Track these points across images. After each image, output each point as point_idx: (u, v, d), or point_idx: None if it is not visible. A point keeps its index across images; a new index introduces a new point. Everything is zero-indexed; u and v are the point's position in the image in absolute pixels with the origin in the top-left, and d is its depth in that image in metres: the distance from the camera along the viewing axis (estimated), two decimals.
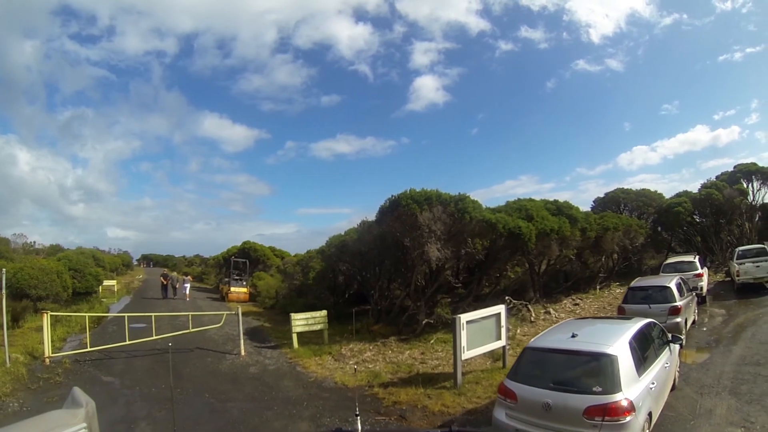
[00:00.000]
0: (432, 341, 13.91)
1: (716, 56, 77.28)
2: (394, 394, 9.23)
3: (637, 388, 5.53)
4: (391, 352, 13.35)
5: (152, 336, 13.05)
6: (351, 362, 12.42)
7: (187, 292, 29.36)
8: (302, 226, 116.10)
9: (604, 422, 5.16)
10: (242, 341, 13.76)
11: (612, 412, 5.17)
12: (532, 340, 7.84)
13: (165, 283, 29.98)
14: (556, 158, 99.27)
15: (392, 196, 15.19)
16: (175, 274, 35.55)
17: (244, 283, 30.32)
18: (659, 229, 27.86)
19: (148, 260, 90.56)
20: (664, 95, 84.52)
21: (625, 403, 5.20)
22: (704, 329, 13.00)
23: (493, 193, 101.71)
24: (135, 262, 76.99)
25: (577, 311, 17.50)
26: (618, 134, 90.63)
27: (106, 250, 54.49)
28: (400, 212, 14.64)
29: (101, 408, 8.10)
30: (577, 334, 6.38)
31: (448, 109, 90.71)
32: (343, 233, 19.19)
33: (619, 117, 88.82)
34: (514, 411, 5.93)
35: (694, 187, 29.83)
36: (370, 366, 11.91)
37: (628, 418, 5.16)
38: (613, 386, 5.36)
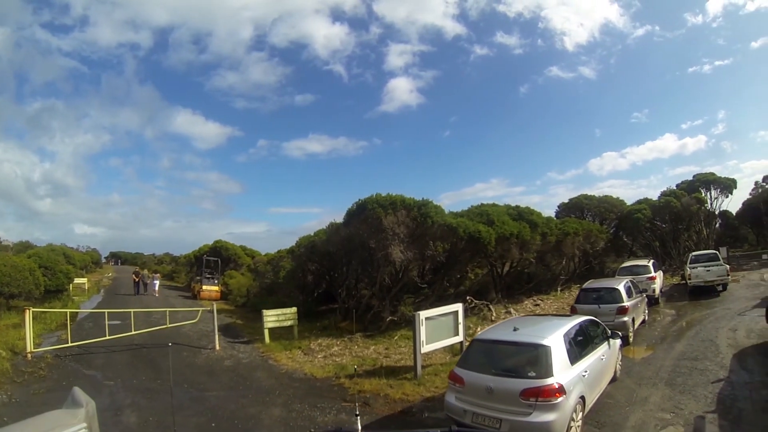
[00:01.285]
0: (396, 337, 14.83)
1: (686, 68, 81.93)
2: (359, 384, 10.07)
3: (569, 374, 6.39)
4: (357, 347, 14.29)
5: (131, 331, 13.72)
6: (319, 356, 13.33)
7: (157, 288, 31.38)
8: (273, 225, 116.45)
9: (537, 402, 5.99)
10: (217, 336, 14.52)
11: (544, 393, 6.00)
12: (479, 332, 9.10)
13: (137, 280, 31.56)
14: (527, 162, 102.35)
15: (359, 200, 16.41)
16: (145, 271, 36.33)
17: (216, 281, 30.99)
18: (620, 234, 29.66)
19: (117, 258, 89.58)
20: (634, 104, 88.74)
21: (556, 386, 6.03)
22: (653, 328, 14.13)
23: (463, 195, 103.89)
24: (103, 260, 76.23)
25: (537, 311, 18.60)
26: (589, 140, 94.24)
27: (74, 247, 54.20)
28: (367, 215, 15.82)
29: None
30: (518, 328, 7.32)
31: (421, 112, 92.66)
32: (312, 234, 20.14)
33: (590, 123, 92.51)
34: (462, 394, 6.79)
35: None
36: (337, 359, 12.84)
37: (559, 399, 5.99)
38: (546, 372, 6.21)
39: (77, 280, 29.25)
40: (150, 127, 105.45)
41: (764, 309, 11.60)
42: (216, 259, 33.82)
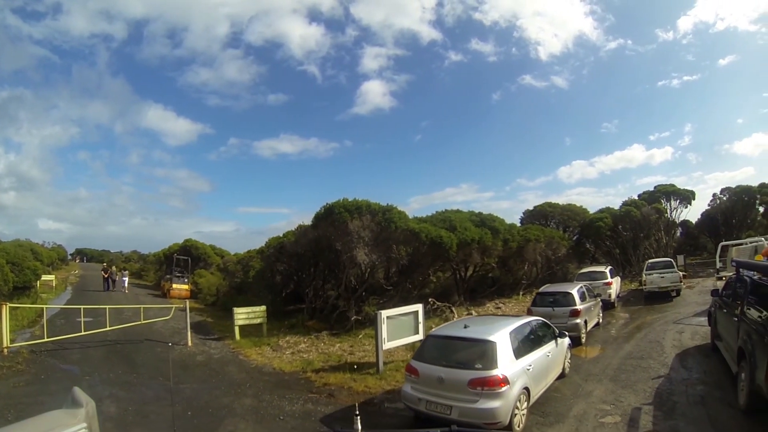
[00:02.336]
0: (360, 336, 15.54)
1: (655, 81, 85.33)
2: (325, 378, 10.78)
3: (513, 367, 7.13)
4: (324, 344, 14.97)
5: (104, 328, 14.14)
6: (287, 352, 13.97)
7: (126, 284, 32.68)
8: (241, 224, 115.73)
9: (483, 391, 6.71)
10: (189, 333, 15.09)
11: (489, 383, 6.73)
12: (434, 329, 9.93)
13: (106, 276, 32.34)
14: (497, 168, 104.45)
15: (327, 203, 17.48)
16: (113, 268, 36.80)
17: (186, 280, 31.47)
18: (583, 241, 31.29)
19: (83, 255, 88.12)
20: (604, 114, 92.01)
21: (500, 377, 6.76)
22: (606, 330, 15.09)
23: (432, 199, 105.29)
24: (69, 257, 75.19)
25: (498, 314, 19.17)
26: (559, 148, 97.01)
27: (40, 242, 53.47)
28: (334, 219, 16.87)
29: (67, 389, 9.78)
30: (468, 326, 8.11)
31: (393, 115, 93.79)
32: (281, 235, 21.00)
33: (560, 132, 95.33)
34: (416, 384, 7.49)
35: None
36: (304, 355, 13.47)
37: (503, 389, 6.72)
38: (492, 365, 6.94)
39: (45, 277, 29.24)
40: (120, 122, 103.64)
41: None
42: (186, 257, 34.32)
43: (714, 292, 11.16)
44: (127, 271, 37.48)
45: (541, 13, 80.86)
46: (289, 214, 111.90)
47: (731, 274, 18.08)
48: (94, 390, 9.60)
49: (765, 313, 6.75)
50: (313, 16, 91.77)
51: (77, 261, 78.36)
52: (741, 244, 20.76)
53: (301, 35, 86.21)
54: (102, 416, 8.25)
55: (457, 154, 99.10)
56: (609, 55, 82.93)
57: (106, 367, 11.73)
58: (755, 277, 7.89)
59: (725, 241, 24.99)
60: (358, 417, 3.32)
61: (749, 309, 7.56)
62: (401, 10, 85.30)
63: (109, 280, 32.19)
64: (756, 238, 21.02)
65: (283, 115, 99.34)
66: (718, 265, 20.71)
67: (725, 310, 9.35)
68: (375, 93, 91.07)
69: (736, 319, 8.10)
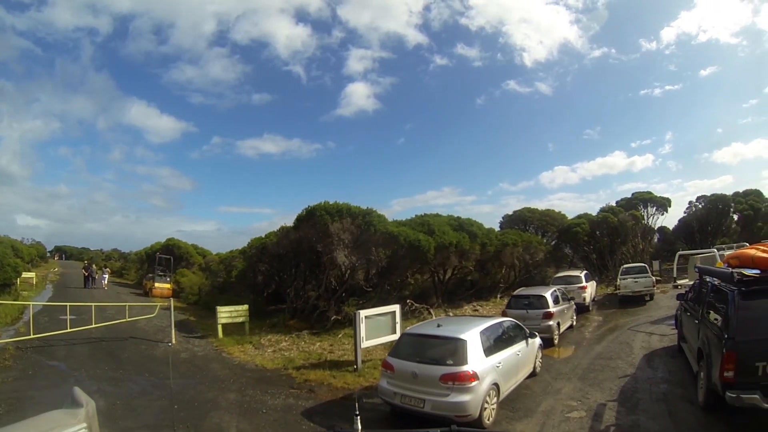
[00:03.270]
0: (340, 336, 16.05)
1: (638, 90, 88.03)
2: (305, 374, 11.31)
3: (483, 364, 7.64)
4: (304, 343, 15.47)
5: (87, 326, 14.57)
6: (269, 350, 14.50)
7: (105, 281, 34.04)
8: (223, 224, 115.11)
9: (454, 385, 7.20)
10: (173, 331, 15.59)
11: (459, 378, 7.23)
12: (408, 328, 10.45)
13: (86, 274, 33.39)
14: (480, 172, 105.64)
15: (309, 206, 18.22)
16: (94, 266, 37.43)
17: (168, 279, 31.85)
18: (561, 245, 32.30)
19: (62, 252, 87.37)
20: (587, 121, 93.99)
21: (470, 373, 7.26)
22: (579, 332, 15.74)
23: (415, 202, 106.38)
24: (48, 254, 74.57)
25: (475, 315, 19.94)
26: (541, 154, 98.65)
27: (18, 239, 53.13)
28: (315, 221, 17.57)
29: (55, 384, 10.05)
30: (441, 325, 8.69)
31: (377, 117, 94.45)
32: (264, 236, 21.57)
33: (543, 137, 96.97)
34: (392, 379, 7.98)
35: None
36: (285, 353, 13.99)
37: (472, 384, 7.22)
38: (462, 361, 7.44)
39: (25, 275, 29.28)
40: (103, 117, 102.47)
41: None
42: (169, 257, 34.60)
43: (679, 296, 11.70)
44: (108, 269, 38.52)
45: (527, 21, 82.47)
46: (271, 215, 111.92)
47: (687, 281, 19.26)
48: (82, 385, 9.93)
49: (721, 316, 7.19)
50: (300, 16, 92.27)
51: (56, 258, 77.70)
52: (696, 254, 21.97)
53: (288, 35, 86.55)
54: None
55: (439, 158, 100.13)
56: (593, 63, 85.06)
57: (92, 363, 12.11)
58: (715, 283, 8.30)
59: (697, 248, 26.32)
60: (358, 417, 3.43)
61: (708, 312, 8.10)
62: (388, 14, 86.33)
63: (90, 278, 33.07)
64: (709, 249, 22.35)
65: (267, 115, 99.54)
66: (675, 273, 21.77)
67: (689, 314, 9.91)
68: (359, 95, 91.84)
69: (697, 321, 8.70)
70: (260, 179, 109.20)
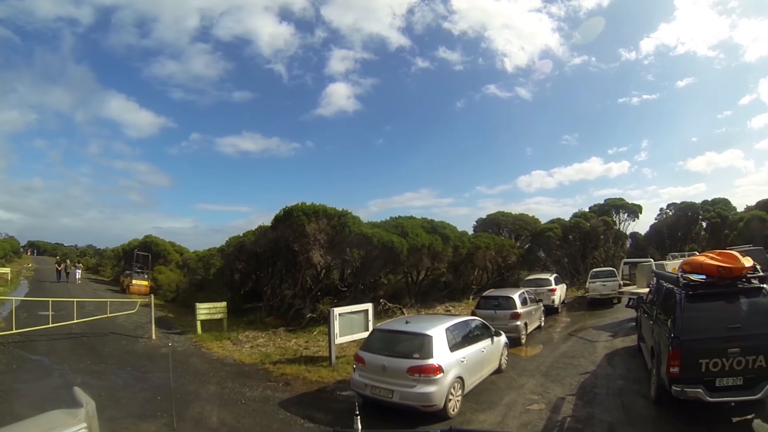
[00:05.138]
0: (315, 333, 16.81)
1: (616, 98, 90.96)
2: (282, 369, 11.92)
3: (448, 358, 8.27)
4: (281, 339, 16.09)
5: (69, 321, 14.88)
6: (246, 346, 15.06)
7: (78, 276, 35.31)
8: (200, 221, 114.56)
9: (420, 377, 7.85)
10: (153, 327, 16.08)
11: (425, 370, 7.87)
12: (379, 324, 11.03)
13: (59, 269, 35.22)
14: (457, 175, 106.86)
15: (286, 206, 19.09)
16: (68, 261, 38.33)
17: (146, 276, 32.29)
18: (534, 249, 33.62)
19: (35, 248, 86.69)
20: (565, 127, 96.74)
21: (435, 366, 7.91)
22: (547, 332, 16.53)
23: (391, 203, 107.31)
24: (21, 249, 73.97)
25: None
26: (519, 158, 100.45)
27: None
28: (292, 221, 18.46)
29: (39, 378, 10.56)
30: (409, 322, 9.56)
31: (356, 118, 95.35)
32: (242, 234, 22.43)
33: (522, 142, 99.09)
34: (363, 371, 8.60)
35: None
36: (262, 349, 14.61)
37: (437, 376, 7.86)
38: (428, 355, 8.10)
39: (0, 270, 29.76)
40: (81, 110, 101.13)
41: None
42: (147, 254, 35.10)
43: (628, 301, 12.75)
44: (81, 265, 39.66)
45: (509, 27, 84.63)
46: (248, 213, 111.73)
47: (635, 288, 20.55)
48: (66, 378, 10.55)
49: (670, 317, 7.77)
50: (284, 15, 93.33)
51: (29, 254, 77.13)
52: (639, 262, 23.45)
53: (271, 33, 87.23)
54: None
55: (418, 160, 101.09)
56: (573, 70, 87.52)
57: (74, 358, 12.57)
58: (667, 287, 8.91)
59: (668, 253, 27.95)
60: (358, 417, 3.53)
61: (661, 314, 8.78)
62: (371, 15, 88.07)
63: (63, 272, 34.78)
64: (647, 258, 24.15)
65: (247, 113, 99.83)
66: (620, 279, 22.99)
67: (646, 315, 10.67)
68: (340, 95, 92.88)
69: (651, 322, 9.49)
70: (238, 177, 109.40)
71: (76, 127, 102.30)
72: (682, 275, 8.02)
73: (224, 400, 9.47)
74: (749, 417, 7.24)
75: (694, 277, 7.76)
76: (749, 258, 7.87)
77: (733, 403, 7.15)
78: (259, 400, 9.51)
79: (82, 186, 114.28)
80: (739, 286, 7.48)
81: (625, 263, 25.23)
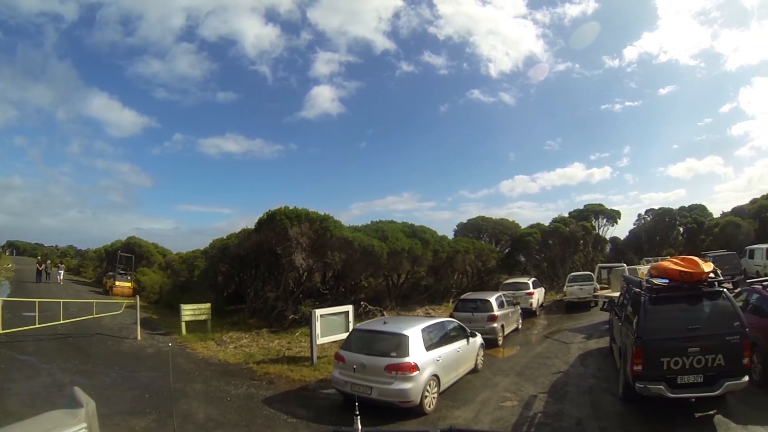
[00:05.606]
0: (297, 334, 17.20)
1: (599, 104, 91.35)
2: (265, 368, 12.31)
3: (423, 357, 8.71)
4: (264, 340, 16.51)
5: (54, 321, 15.06)
6: (230, 346, 15.43)
7: (61, 277, 35.90)
8: (182, 222, 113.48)
9: (397, 375, 8.26)
10: (139, 327, 16.23)
11: (402, 368, 8.29)
12: (358, 324, 11.65)
13: (40, 269, 34.92)
14: (440, 179, 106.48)
15: (270, 210, 19.64)
16: (49, 262, 38.51)
17: (129, 277, 32.47)
18: (514, 253, 34.39)
19: (14, 248, 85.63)
20: (548, 132, 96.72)
21: (411, 364, 8.34)
22: (524, 334, 17.00)
23: (374, 207, 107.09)
24: (0, 249, 73.26)
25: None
26: (502, 162, 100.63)
27: None
28: (275, 225, 18.97)
29: (29, 377, 10.80)
30: (387, 322, 10.14)
31: (340, 121, 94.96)
32: (225, 237, 22.84)
33: (505, 147, 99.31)
34: (343, 369, 9.00)
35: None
36: (246, 349, 14.99)
37: (413, 374, 8.29)
38: (405, 354, 8.52)
39: None
40: (63, 107, 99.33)
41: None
42: (130, 255, 35.24)
43: (602, 304, 13.27)
44: (63, 266, 39.85)
45: (494, 32, 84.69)
46: (230, 215, 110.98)
47: (606, 291, 21.33)
48: (55, 378, 10.80)
49: (636, 318, 8.15)
50: (270, 16, 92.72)
51: (8, 254, 76.26)
52: (613, 267, 24.25)
53: (257, 34, 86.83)
54: (67, 400, 10.08)
55: (400, 163, 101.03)
56: (557, 76, 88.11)
57: (62, 358, 12.72)
58: (635, 290, 9.32)
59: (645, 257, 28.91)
60: (358, 417, 3.56)
61: (628, 315, 9.17)
62: (357, 19, 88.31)
63: (43, 273, 34.65)
64: (619, 263, 24.61)
65: (230, 114, 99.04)
66: (594, 283, 23.62)
67: (617, 317, 11.03)
68: (324, 98, 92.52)
69: (621, 323, 9.93)
70: (221, 178, 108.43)
71: (58, 124, 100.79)
72: (647, 279, 8.51)
73: (210, 398, 9.82)
74: (711, 413, 7.64)
75: (657, 281, 8.18)
76: (710, 263, 8.36)
77: (693, 399, 7.55)
78: (244, 398, 9.88)
79: (62, 185, 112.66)
80: (701, 289, 7.91)
81: (602, 267, 25.98)
